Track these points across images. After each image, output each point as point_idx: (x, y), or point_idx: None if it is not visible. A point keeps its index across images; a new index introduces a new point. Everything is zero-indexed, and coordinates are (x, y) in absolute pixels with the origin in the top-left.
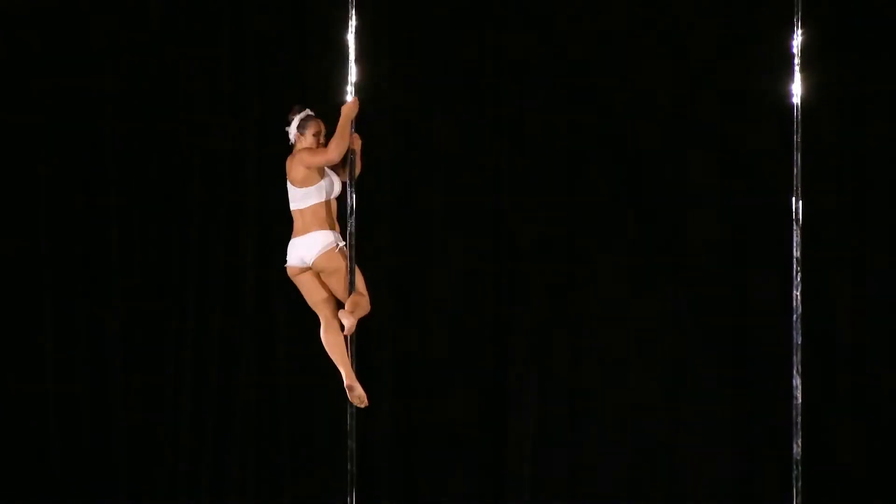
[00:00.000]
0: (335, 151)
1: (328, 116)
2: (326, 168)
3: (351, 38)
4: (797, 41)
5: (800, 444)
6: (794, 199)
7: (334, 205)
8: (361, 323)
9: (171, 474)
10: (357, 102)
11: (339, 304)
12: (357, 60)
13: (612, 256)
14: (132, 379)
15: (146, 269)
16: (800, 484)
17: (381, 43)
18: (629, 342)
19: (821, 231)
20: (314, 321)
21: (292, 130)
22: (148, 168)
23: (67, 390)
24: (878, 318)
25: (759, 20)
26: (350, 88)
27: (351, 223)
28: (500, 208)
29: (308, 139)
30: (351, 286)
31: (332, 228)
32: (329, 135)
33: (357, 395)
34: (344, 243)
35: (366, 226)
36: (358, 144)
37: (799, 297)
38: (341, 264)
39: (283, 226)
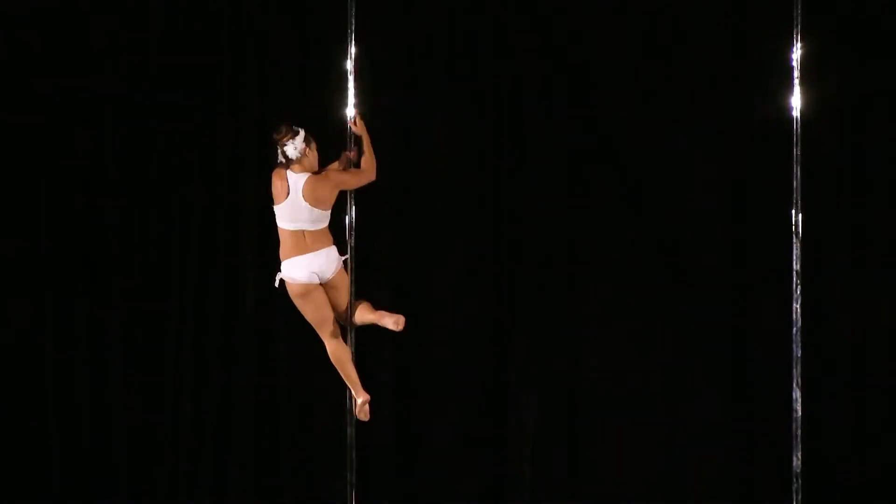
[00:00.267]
0: (374, 170)
1: (328, 116)
2: None
3: (351, 38)
4: (797, 54)
5: (800, 457)
6: (793, 211)
7: None
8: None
9: (171, 474)
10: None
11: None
12: (357, 61)
13: (612, 257)
14: (132, 379)
15: (146, 269)
16: (800, 496)
17: (381, 43)
18: (629, 342)
19: (821, 243)
20: None
21: (298, 146)
22: (148, 168)
23: (67, 390)
24: (878, 330)
25: (759, 33)
26: (350, 88)
27: (351, 240)
28: (500, 209)
29: (314, 153)
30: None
31: (333, 243)
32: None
33: (367, 410)
34: (346, 256)
35: (366, 226)
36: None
37: (799, 310)
38: (347, 277)
39: None
